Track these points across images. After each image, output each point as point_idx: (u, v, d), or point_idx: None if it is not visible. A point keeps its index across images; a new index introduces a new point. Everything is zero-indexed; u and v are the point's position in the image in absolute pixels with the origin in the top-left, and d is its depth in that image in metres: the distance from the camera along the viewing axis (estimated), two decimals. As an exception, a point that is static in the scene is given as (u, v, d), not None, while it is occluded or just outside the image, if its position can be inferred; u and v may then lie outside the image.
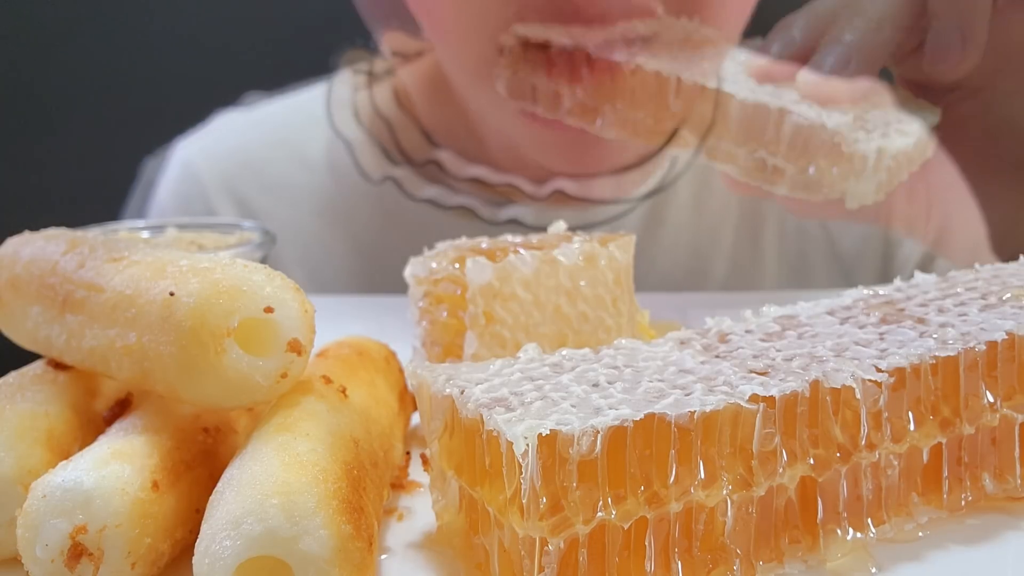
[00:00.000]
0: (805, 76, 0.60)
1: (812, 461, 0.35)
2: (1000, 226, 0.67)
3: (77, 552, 0.32)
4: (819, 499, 0.36)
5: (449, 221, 0.85)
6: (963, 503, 0.39)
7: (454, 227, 0.84)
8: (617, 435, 0.32)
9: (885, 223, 0.73)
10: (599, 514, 0.32)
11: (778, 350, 0.38)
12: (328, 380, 0.40)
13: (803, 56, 0.62)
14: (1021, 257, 0.48)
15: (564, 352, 0.39)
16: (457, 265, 0.46)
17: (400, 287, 0.51)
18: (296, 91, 0.98)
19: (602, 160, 0.78)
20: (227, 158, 0.92)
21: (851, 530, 0.36)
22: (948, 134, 0.65)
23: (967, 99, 0.65)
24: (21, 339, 0.43)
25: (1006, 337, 0.39)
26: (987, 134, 0.65)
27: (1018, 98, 0.64)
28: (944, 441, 0.38)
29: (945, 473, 0.39)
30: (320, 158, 0.91)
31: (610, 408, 0.33)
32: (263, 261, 0.62)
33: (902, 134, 0.61)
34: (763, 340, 0.40)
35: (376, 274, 0.87)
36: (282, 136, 0.93)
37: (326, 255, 0.90)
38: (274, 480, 0.31)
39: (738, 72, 0.63)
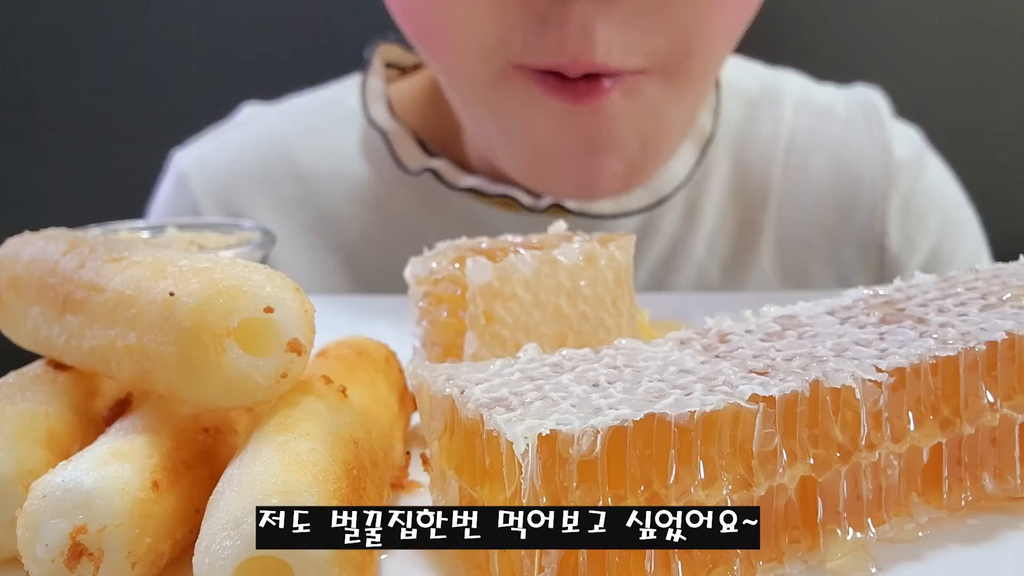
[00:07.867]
0: None
1: (812, 461, 0.35)
2: None
3: (77, 552, 0.32)
4: (819, 499, 0.36)
5: (489, 211, 0.85)
6: (963, 503, 0.39)
7: (495, 218, 0.84)
8: (617, 435, 0.32)
9: None
10: (599, 514, 0.32)
11: (778, 350, 0.38)
12: (328, 380, 0.40)
13: None
14: (1021, 257, 0.48)
15: (564, 352, 0.39)
16: (457, 265, 0.46)
17: None
18: (326, 85, 0.97)
19: (609, 149, 0.71)
20: (221, 168, 0.91)
21: (851, 530, 0.36)
22: None
23: None
24: (21, 339, 0.43)
25: (1006, 337, 0.39)
26: None
27: None
28: (944, 441, 0.38)
29: (945, 473, 0.39)
30: (354, 148, 0.90)
31: (610, 408, 0.33)
32: (263, 261, 0.62)
33: None
34: (763, 340, 0.40)
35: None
36: (313, 126, 0.92)
37: (364, 246, 0.89)
38: (274, 480, 0.31)
39: None
